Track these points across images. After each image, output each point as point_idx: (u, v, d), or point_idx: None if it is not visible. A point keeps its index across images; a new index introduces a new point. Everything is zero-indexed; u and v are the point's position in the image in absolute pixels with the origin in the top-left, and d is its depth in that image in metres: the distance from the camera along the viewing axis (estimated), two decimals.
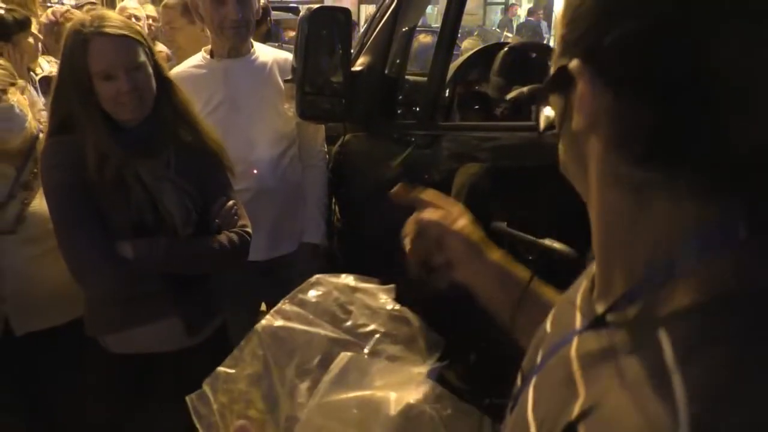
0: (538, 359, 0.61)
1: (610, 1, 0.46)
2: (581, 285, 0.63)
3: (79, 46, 1.42)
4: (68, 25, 1.51)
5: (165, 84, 1.53)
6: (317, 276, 0.92)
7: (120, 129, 1.50)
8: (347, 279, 0.91)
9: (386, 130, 2.11)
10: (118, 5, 4.22)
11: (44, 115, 2.42)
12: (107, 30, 1.42)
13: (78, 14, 3.18)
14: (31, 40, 2.80)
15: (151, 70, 1.48)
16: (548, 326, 0.66)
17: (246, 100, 2.01)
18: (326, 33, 1.96)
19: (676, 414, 0.37)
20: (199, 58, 2.09)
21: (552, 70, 0.52)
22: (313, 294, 0.89)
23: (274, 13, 5.05)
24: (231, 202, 1.64)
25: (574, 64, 0.49)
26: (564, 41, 0.51)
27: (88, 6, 3.73)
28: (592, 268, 0.60)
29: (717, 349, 0.40)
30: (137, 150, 1.50)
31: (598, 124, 0.48)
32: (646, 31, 0.44)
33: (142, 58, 1.47)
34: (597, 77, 0.47)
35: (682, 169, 0.46)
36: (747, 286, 0.43)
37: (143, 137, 1.52)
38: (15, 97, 1.74)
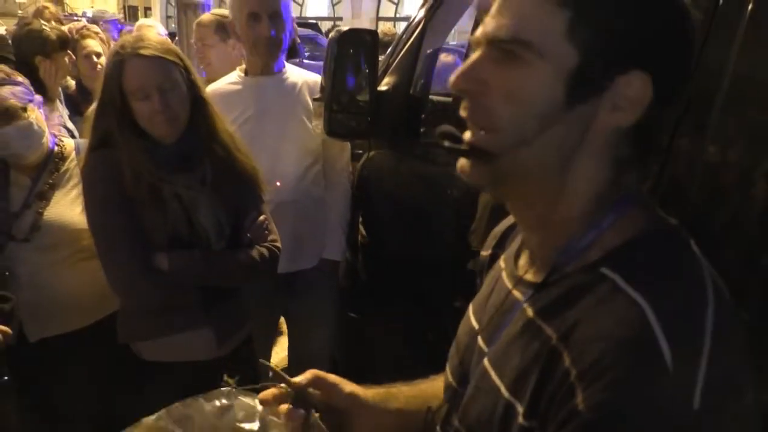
0: (481, 345, 0.74)
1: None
2: (496, 279, 0.79)
3: (117, 67, 1.49)
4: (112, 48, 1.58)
5: (200, 103, 1.59)
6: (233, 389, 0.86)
7: (156, 145, 1.56)
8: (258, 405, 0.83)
9: (410, 149, 2.15)
10: (136, 24, 4.34)
11: (63, 131, 2.52)
12: (142, 52, 1.49)
13: (93, 29, 3.30)
14: (67, 59, 2.91)
15: (185, 89, 1.55)
16: (474, 323, 0.79)
17: (274, 115, 2.08)
18: (354, 54, 2.01)
19: (642, 310, 0.54)
20: (235, 75, 2.18)
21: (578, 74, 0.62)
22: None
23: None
24: (262, 217, 1.70)
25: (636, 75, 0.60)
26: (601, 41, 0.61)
27: (102, 23, 3.84)
28: (498, 264, 0.81)
29: (648, 266, 0.60)
30: (173, 166, 1.56)
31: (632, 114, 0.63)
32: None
33: (177, 78, 1.53)
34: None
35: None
36: (653, 227, 0.64)
37: (179, 153, 1.58)
38: (33, 114, 1.81)
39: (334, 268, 2.30)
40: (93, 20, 5.18)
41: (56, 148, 1.91)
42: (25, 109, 1.75)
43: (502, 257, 0.82)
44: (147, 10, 29.66)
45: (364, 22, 18.89)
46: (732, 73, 1.03)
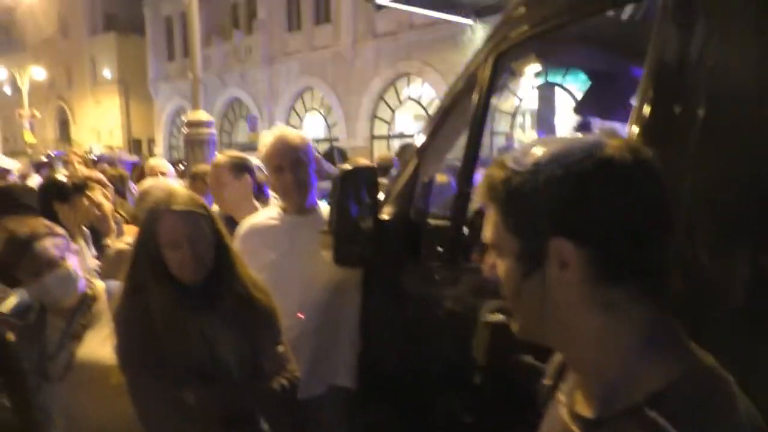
0: None
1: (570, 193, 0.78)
2: (554, 411, 0.90)
3: (153, 221, 1.69)
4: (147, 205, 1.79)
5: (223, 248, 1.78)
6: None
7: (184, 288, 1.72)
8: None
9: (412, 271, 2.31)
10: (148, 163, 4.65)
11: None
12: (174, 207, 1.69)
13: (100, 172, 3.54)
14: (85, 200, 3.14)
15: (211, 237, 1.74)
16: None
17: (306, 251, 2.28)
18: (357, 188, 2.24)
19: None
20: (274, 211, 2.43)
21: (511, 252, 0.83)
22: None
23: None
24: (280, 348, 1.83)
25: (559, 242, 0.77)
26: (522, 225, 0.81)
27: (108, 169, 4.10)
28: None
29: (694, 411, 0.70)
30: (198, 305, 1.72)
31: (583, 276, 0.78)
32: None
33: (204, 228, 1.72)
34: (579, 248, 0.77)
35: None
36: (691, 368, 0.75)
37: (203, 294, 1.74)
38: (70, 262, 1.99)
39: (344, 395, 2.37)
40: (110, 160, 5.53)
41: (88, 291, 2.07)
42: (63, 258, 1.94)
43: (561, 389, 0.92)
44: (151, 143, 31.05)
45: (359, 141, 19.77)
46: None
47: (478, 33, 16.66)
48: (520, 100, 13.73)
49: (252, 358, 1.76)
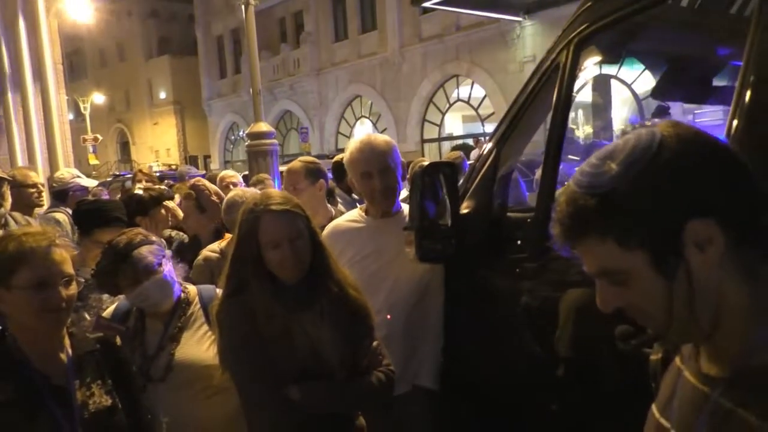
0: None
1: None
2: (676, 378, 0.90)
3: (253, 222, 1.72)
4: (243, 206, 1.83)
5: (318, 247, 1.80)
6: None
7: (283, 287, 1.75)
8: None
9: (495, 266, 2.28)
10: (219, 175, 4.79)
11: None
12: (273, 207, 1.72)
13: (205, 183, 3.68)
14: (163, 211, 3.26)
15: (308, 236, 1.76)
16: (664, 422, 0.90)
17: (391, 253, 2.29)
18: (436, 184, 2.23)
19: None
20: (355, 214, 2.45)
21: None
22: None
23: None
24: (375, 343, 1.84)
25: (693, 225, 0.77)
26: (644, 231, 0.79)
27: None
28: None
29: None
30: (297, 304, 1.74)
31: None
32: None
33: (301, 227, 1.75)
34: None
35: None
36: None
37: (301, 292, 1.76)
38: (166, 268, 2.06)
39: (428, 395, 2.35)
40: (180, 175, 5.73)
41: (182, 295, 2.14)
42: (160, 265, 2.01)
43: (677, 359, 0.93)
44: (207, 158, 31.96)
45: (410, 145, 19.78)
46: None
47: (526, 30, 16.46)
48: (599, 88, 13.47)
49: (351, 355, 1.77)
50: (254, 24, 6.86)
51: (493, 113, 18.05)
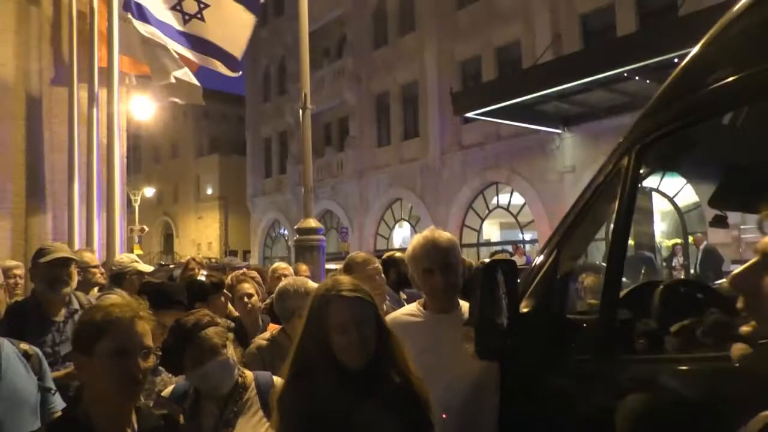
0: None
1: None
2: None
3: (323, 306, 1.76)
4: (315, 291, 1.88)
5: (384, 334, 1.82)
6: None
7: (346, 373, 1.75)
8: None
9: (554, 366, 2.24)
10: (272, 267, 4.91)
11: None
12: (344, 293, 1.77)
13: (251, 274, 3.77)
14: (222, 299, 3.33)
15: (375, 323, 1.78)
16: None
17: (449, 350, 2.28)
18: (497, 280, 2.24)
19: None
20: (413, 308, 2.45)
21: None
22: None
23: None
24: None
25: None
26: None
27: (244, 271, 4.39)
28: None
29: None
30: (359, 391, 1.74)
31: None
32: None
33: (369, 313, 1.78)
34: None
35: None
36: None
37: (363, 379, 1.76)
38: (230, 351, 2.09)
39: None
40: (223, 266, 5.89)
41: (239, 379, 2.14)
42: (225, 346, 2.04)
43: None
44: (246, 253, 32.55)
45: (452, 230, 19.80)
46: None
47: (566, 141, 16.86)
48: (662, 194, 13.52)
49: None
50: (310, 126, 7.24)
51: (532, 221, 18.15)
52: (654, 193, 13.10)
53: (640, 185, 2.08)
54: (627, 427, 1.89)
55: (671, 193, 14.05)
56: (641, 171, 2.06)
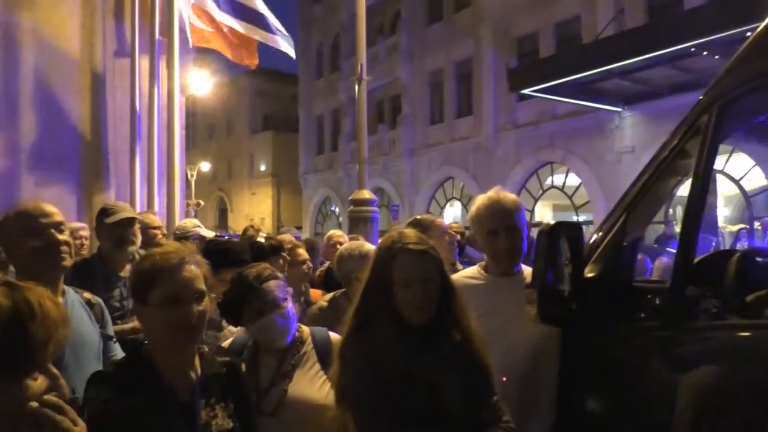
0: None
1: None
2: None
3: (388, 259, 1.73)
4: (380, 243, 1.86)
5: (448, 291, 1.78)
6: None
7: (407, 327, 1.73)
8: None
9: (621, 333, 2.16)
10: (327, 234, 4.94)
11: None
12: (411, 246, 1.73)
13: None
14: (281, 261, 3.37)
15: (439, 279, 1.75)
16: None
17: (509, 313, 2.24)
18: (561, 244, 2.17)
19: None
20: (474, 270, 2.42)
21: None
22: None
23: None
24: (495, 398, 1.76)
25: None
26: None
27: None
28: None
29: None
30: (420, 346, 1.71)
31: None
32: None
33: (433, 269, 1.74)
34: None
35: None
36: None
37: (425, 335, 1.73)
38: (289, 305, 2.09)
39: None
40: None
41: (297, 333, 2.16)
42: (285, 300, 2.05)
43: None
44: (298, 229, 33.00)
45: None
46: None
47: (626, 121, 16.28)
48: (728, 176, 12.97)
49: (471, 405, 1.70)
50: (365, 98, 7.21)
51: (587, 202, 17.68)
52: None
53: (720, 145, 1.96)
54: (698, 397, 1.81)
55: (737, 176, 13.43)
56: (722, 129, 1.94)
